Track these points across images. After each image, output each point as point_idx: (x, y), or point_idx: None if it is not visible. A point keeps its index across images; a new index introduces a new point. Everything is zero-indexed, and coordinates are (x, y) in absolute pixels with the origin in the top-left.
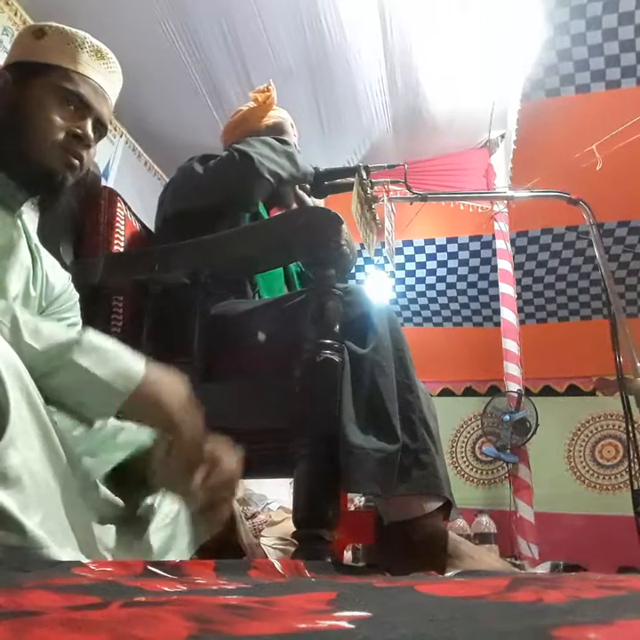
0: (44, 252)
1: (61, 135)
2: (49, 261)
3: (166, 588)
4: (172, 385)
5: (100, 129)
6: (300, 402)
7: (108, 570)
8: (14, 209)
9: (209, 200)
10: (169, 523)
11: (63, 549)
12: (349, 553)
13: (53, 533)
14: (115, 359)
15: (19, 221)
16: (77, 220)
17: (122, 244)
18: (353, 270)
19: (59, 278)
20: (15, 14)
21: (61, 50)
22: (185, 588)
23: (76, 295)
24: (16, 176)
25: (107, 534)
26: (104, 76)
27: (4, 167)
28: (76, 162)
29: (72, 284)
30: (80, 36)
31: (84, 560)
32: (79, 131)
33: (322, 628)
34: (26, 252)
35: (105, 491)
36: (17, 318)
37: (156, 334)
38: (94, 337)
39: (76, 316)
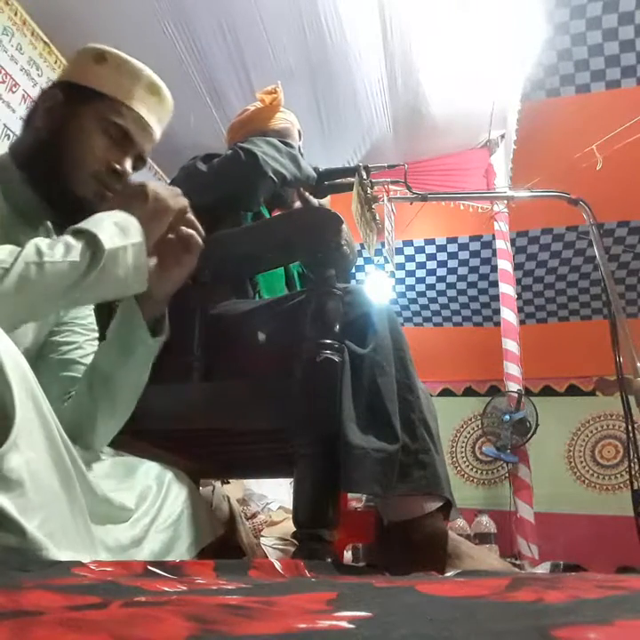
0: None
1: (99, 167)
2: None
3: (166, 588)
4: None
5: (139, 164)
6: (299, 402)
7: (108, 570)
8: (39, 224)
9: (212, 198)
10: (170, 525)
11: (62, 552)
12: (349, 553)
13: (52, 536)
14: (116, 227)
15: (42, 233)
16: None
17: None
18: (353, 270)
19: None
20: (15, 14)
21: (117, 81)
22: (185, 587)
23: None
24: (47, 198)
25: (107, 536)
26: (154, 113)
27: (37, 187)
28: (109, 194)
29: None
30: (138, 68)
31: (85, 560)
32: (118, 166)
33: (322, 628)
34: None
35: (106, 492)
36: (37, 245)
37: None
38: (91, 224)
39: (92, 322)
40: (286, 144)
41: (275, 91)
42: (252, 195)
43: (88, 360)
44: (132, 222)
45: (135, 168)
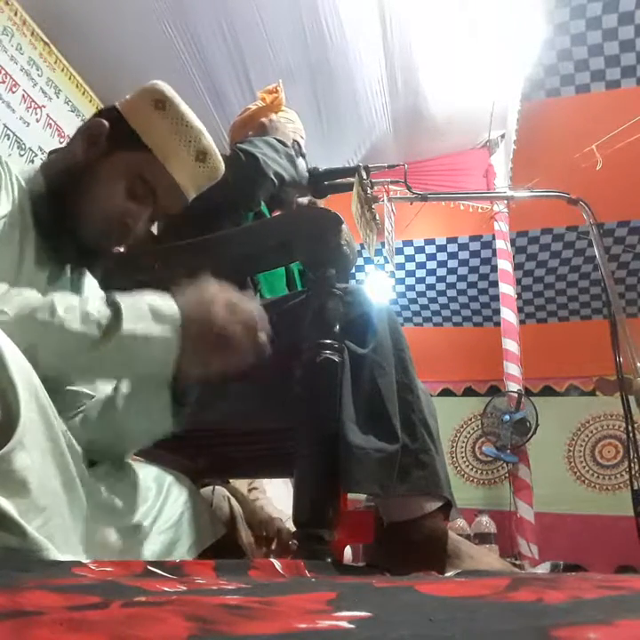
0: (85, 274)
1: (113, 215)
2: (90, 283)
3: (166, 588)
4: (201, 305)
5: (160, 218)
6: (299, 402)
7: (108, 570)
8: (57, 246)
9: (212, 199)
10: (171, 526)
11: (63, 554)
12: (350, 553)
13: (53, 537)
14: (149, 311)
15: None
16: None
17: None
18: (353, 270)
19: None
20: (15, 14)
21: (166, 138)
22: (185, 587)
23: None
24: (58, 216)
25: (108, 538)
26: (193, 179)
27: (55, 204)
28: (111, 244)
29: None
30: (195, 131)
31: (85, 560)
32: (130, 222)
33: (322, 628)
34: (67, 275)
35: (108, 494)
36: (53, 304)
37: None
38: (124, 299)
39: None
40: (283, 144)
41: (276, 90)
42: (253, 195)
43: None
44: (170, 315)
45: (155, 220)
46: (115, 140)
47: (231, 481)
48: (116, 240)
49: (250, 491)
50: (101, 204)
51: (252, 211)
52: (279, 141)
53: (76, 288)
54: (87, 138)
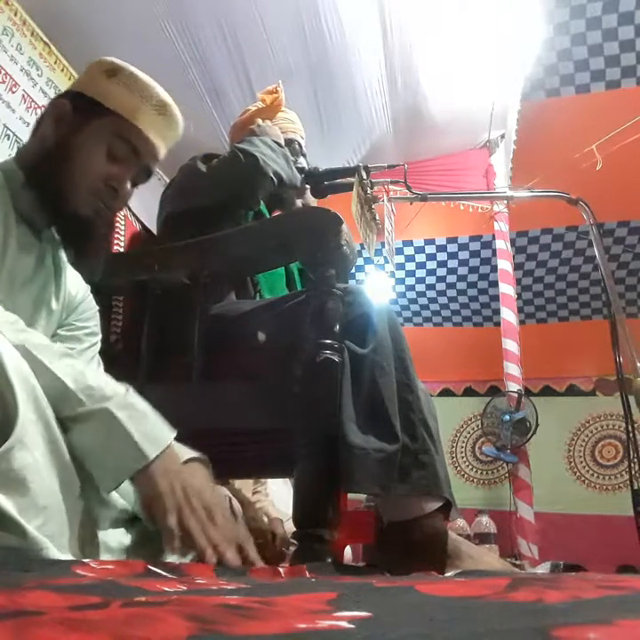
0: (66, 265)
1: (98, 183)
2: (72, 274)
3: (166, 588)
4: (187, 472)
5: (142, 177)
6: (299, 402)
7: (108, 568)
8: (42, 229)
9: (212, 199)
10: None
11: (63, 553)
12: (350, 553)
13: (53, 537)
14: (147, 421)
15: (46, 238)
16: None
17: (122, 244)
18: (353, 270)
19: (79, 290)
20: (15, 14)
21: (126, 97)
22: (185, 587)
23: (96, 307)
24: (45, 205)
25: (108, 537)
26: (160, 132)
27: (38, 193)
28: (105, 210)
29: (91, 296)
30: (149, 86)
31: (85, 559)
32: (116, 184)
33: (322, 628)
34: (51, 266)
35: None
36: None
37: (156, 334)
38: (130, 394)
39: (95, 325)
40: (279, 145)
41: (276, 90)
42: (252, 195)
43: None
44: (163, 440)
45: (137, 182)
46: (80, 115)
47: (237, 483)
48: (106, 206)
49: (254, 493)
50: (84, 174)
51: (252, 209)
52: (276, 142)
53: (58, 278)
54: (54, 118)
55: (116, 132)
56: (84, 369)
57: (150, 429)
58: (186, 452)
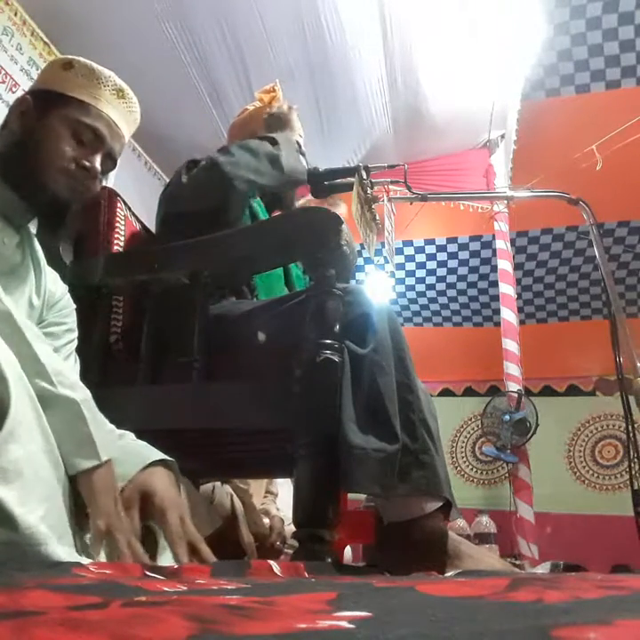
0: (45, 266)
1: (70, 165)
2: (50, 273)
3: (166, 588)
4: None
5: (109, 164)
6: (299, 402)
7: (107, 572)
8: (20, 225)
9: (194, 208)
10: None
11: (62, 547)
12: (350, 553)
13: (55, 528)
14: (102, 429)
15: (25, 235)
16: (77, 221)
17: (122, 244)
18: (353, 270)
19: (58, 287)
20: (15, 14)
21: (84, 84)
22: (185, 587)
23: (73, 305)
24: (24, 196)
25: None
26: (122, 115)
27: (15, 187)
28: (82, 190)
29: (69, 294)
30: (105, 74)
31: (84, 561)
32: (87, 163)
33: (322, 628)
34: (30, 264)
35: None
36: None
37: (156, 334)
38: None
39: (73, 322)
40: (272, 142)
41: (273, 89)
42: (225, 208)
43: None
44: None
45: (105, 170)
46: (43, 106)
47: (250, 486)
48: (81, 187)
49: (266, 493)
50: (54, 158)
51: (230, 223)
52: (269, 139)
53: (38, 275)
54: (18, 114)
55: (80, 117)
56: (58, 359)
57: (104, 436)
58: (154, 454)
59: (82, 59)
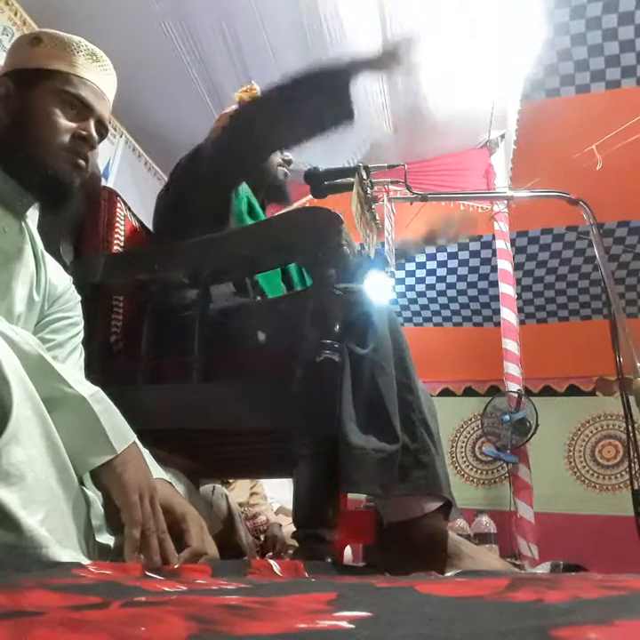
0: (48, 257)
1: (67, 137)
2: (52, 265)
3: (166, 588)
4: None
5: (102, 130)
6: (300, 402)
7: (107, 572)
8: (21, 213)
9: (180, 217)
10: None
11: (63, 549)
12: (350, 553)
13: (54, 532)
14: (116, 418)
15: (24, 226)
16: (77, 220)
17: (122, 244)
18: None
19: (61, 280)
20: (15, 14)
21: (58, 55)
22: (185, 587)
23: (78, 297)
24: (24, 181)
25: (105, 535)
26: (101, 78)
27: (12, 172)
28: (83, 162)
29: (73, 287)
30: (75, 40)
31: (84, 562)
32: (84, 132)
33: (322, 628)
34: (31, 257)
35: None
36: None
37: (156, 334)
38: (101, 392)
39: (78, 315)
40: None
41: (251, 88)
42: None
43: (70, 359)
44: (128, 444)
45: (99, 133)
46: (23, 85)
47: (233, 486)
48: (82, 157)
49: (251, 495)
50: (50, 135)
51: (236, 180)
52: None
53: (39, 269)
54: (1, 100)
55: (63, 86)
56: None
57: (119, 425)
58: (156, 472)
59: (48, 30)
